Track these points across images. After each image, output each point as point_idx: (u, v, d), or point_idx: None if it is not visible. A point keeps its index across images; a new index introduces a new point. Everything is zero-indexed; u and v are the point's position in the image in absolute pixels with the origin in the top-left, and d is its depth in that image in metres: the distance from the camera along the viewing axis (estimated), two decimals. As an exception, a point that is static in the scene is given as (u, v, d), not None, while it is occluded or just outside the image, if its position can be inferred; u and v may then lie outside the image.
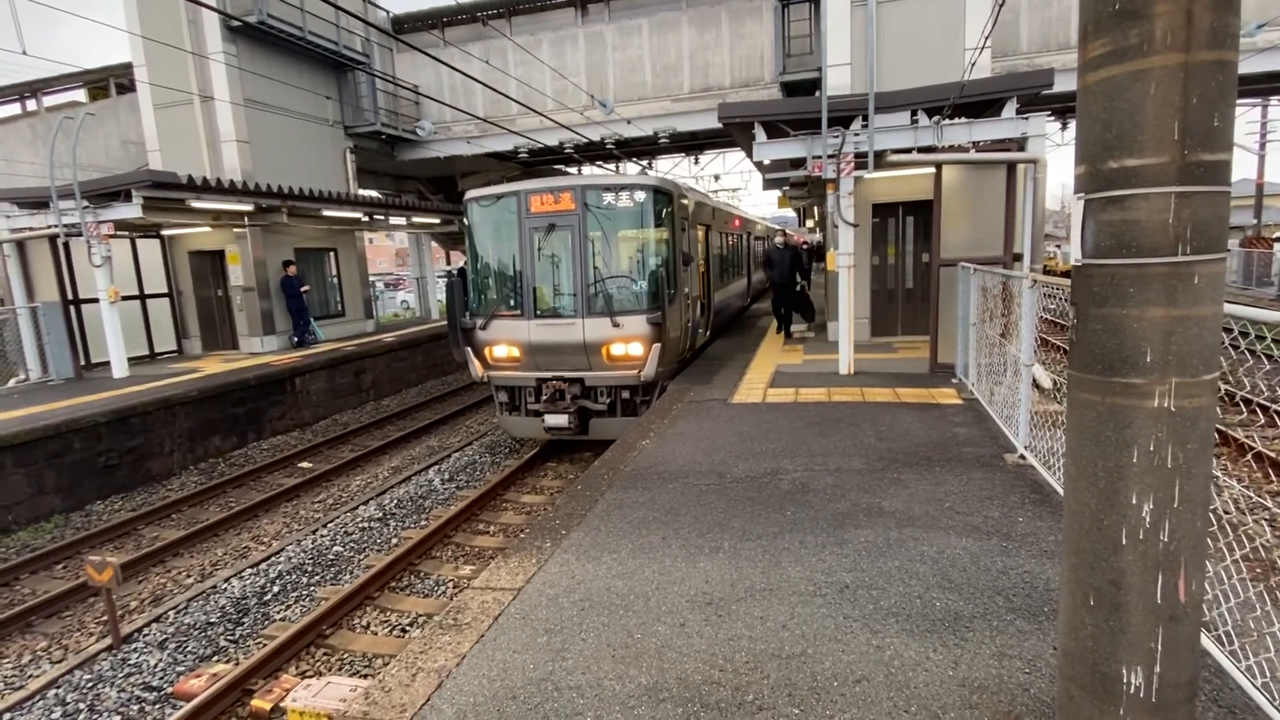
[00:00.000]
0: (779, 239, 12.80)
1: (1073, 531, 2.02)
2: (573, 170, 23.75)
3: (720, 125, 9.65)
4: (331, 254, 16.64)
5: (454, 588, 6.13)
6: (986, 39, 7.18)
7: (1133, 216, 1.77)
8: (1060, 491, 4.40)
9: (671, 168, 24.85)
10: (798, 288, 12.48)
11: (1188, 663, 1.90)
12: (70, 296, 12.32)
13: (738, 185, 35.65)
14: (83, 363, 12.41)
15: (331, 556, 6.75)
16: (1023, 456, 5.16)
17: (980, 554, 3.71)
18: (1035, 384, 5.30)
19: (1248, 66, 11.69)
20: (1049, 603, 3.18)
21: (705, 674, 2.82)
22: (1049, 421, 4.78)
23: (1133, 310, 1.80)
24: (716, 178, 29.67)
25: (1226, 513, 2.74)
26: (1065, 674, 2.09)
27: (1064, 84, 9.05)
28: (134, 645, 5.28)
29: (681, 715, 2.58)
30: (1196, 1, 1.65)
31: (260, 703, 4.35)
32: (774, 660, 2.89)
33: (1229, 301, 2.04)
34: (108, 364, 11.82)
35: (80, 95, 18.98)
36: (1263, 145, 26.41)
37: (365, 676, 4.85)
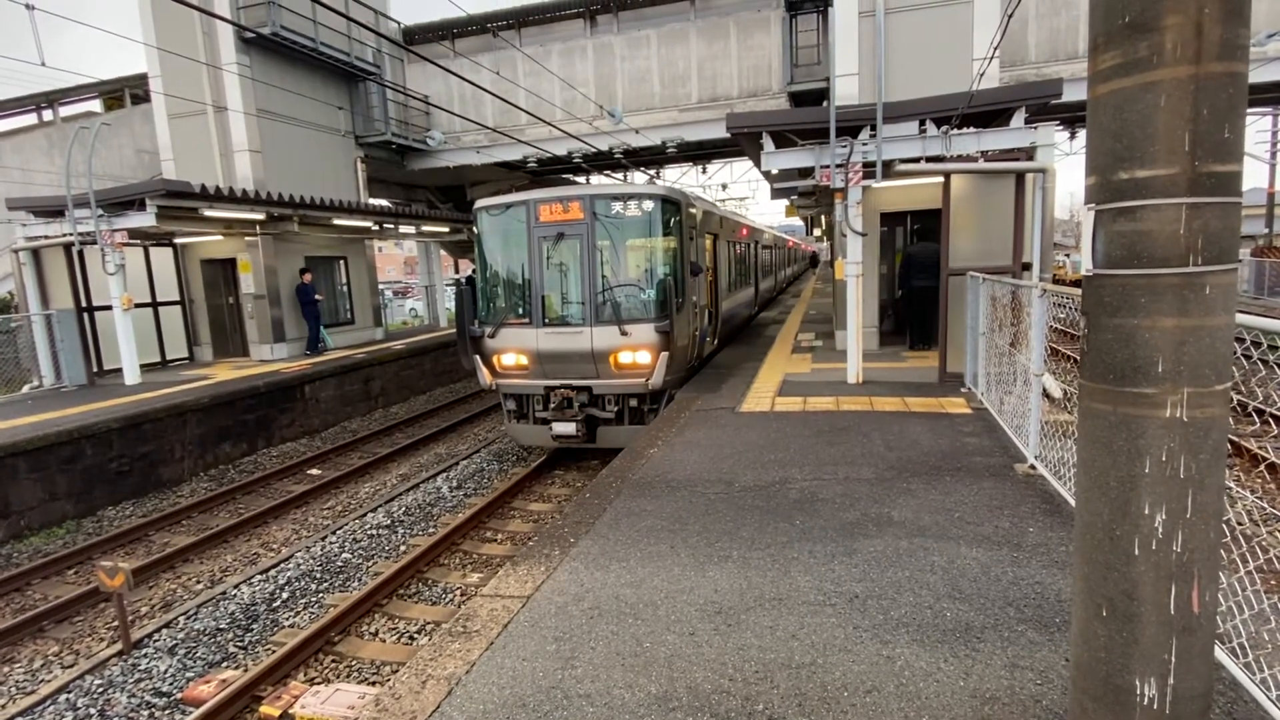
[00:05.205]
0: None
1: (1085, 542, 2.01)
2: (581, 179, 23.88)
3: (728, 135, 9.69)
4: (341, 262, 16.77)
5: (462, 595, 6.13)
6: (995, 49, 7.19)
7: (1144, 227, 1.78)
8: (1071, 502, 4.37)
9: (679, 177, 24.92)
10: None
11: (1202, 674, 1.88)
12: (84, 304, 12.45)
13: (745, 194, 35.62)
14: (95, 369, 12.53)
15: (340, 563, 6.77)
16: (1033, 466, 5.13)
17: (991, 564, 3.69)
18: (1045, 393, 5.28)
19: (1258, 76, 11.65)
20: (1061, 613, 3.16)
21: (715, 683, 2.82)
22: (1059, 431, 4.76)
23: (1144, 320, 1.80)
24: (724, 187, 29.69)
25: (1240, 524, 2.72)
26: (1078, 685, 2.08)
27: (1072, 94, 9.07)
28: (144, 650, 5.31)
29: (691, 724, 2.58)
30: (1206, 14, 1.65)
31: (269, 709, 4.37)
32: (784, 670, 2.88)
33: (1240, 311, 2.04)
34: (120, 370, 11.92)
35: (96, 105, 19.26)
36: (1274, 154, 26.28)
37: (373, 684, 4.86)
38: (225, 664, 5.23)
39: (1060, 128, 17.58)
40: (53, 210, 11.97)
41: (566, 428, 8.50)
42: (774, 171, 9.24)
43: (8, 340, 12.69)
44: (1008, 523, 4.22)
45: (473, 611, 3.55)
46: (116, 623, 5.51)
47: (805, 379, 9.05)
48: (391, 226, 16.60)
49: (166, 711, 4.69)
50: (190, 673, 5.08)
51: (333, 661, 5.21)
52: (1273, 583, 4.64)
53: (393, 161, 18.07)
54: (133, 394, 10.72)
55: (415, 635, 5.51)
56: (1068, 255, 34.69)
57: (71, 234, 11.46)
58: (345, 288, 16.96)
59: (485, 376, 8.94)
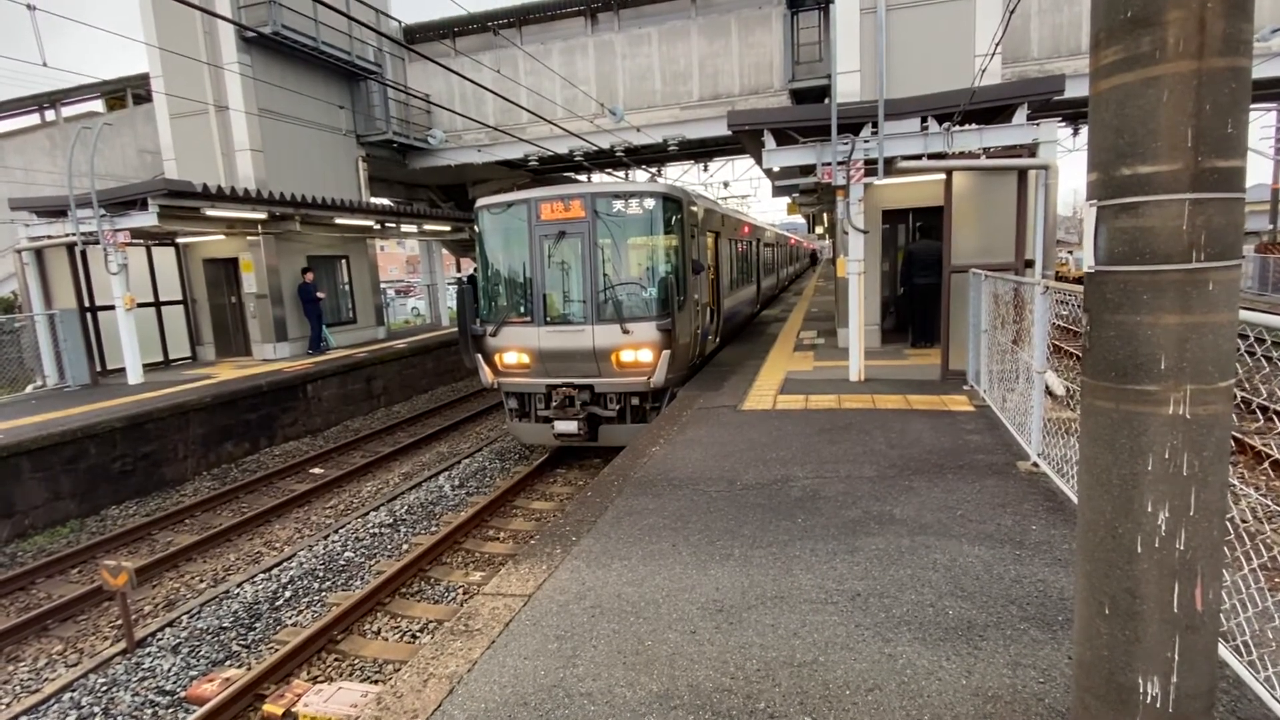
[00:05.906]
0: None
1: (1087, 539, 2.00)
2: (582, 178, 23.86)
3: (730, 132, 9.68)
4: (343, 261, 16.79)
5: (464, 594, 6.14)
6: (997, 45, 7.16)
7: (1146, 223, 1.76)
8: (1074, 499, 4.36)
9: (681, 175, 24.91)
10: None
11: (1205, 673, 1.88)
12: (87, 304, 12.48)
13: (747, 192, 35.59)
14: (98, 369, 12.56)
15: (343, 562, 6.78)
16: (1036, 464, 5.12)
17: (993, 562, 3.68)
18: (1048, 391, 5.26)
19: (1262, 71, 11.60)
20: (1063, 612, 3.15)
21: (717, 682, 2.82)
22: (1062, 429, 4.74)
23: (1147, 317, 1.79)
24: (726, 184, 29.67)
25: (1244, 521, 2.71)
26: (1081, 684, 2.07)
27: (1075, 89, 9.03)
28: (148, 649, 5.33)
29: (693, 723, 2.57)
30: (1209, 9, 1.64)
31: (272, 708, 4.37)
32: (785, 668, 2.88)
33: (1245, 308, 2.03)
34: (123, 370, 11.95)
35: (98, 105, 19.29)
36: (1278, 150, 26.14)
37: (376, 682, 4.86)
38: (228, 662, 5.25)
39: (1063, 124, 17.49)
40: (55, 210, 12.00)
41: (568, 426, 8.50)
42: (775, 169, 9.22)
43: (11, 340, 12.74)
44: (1010, 520, 4.21)
45: (475, 610, 3.55)
46: (120, 621, 5.52)
47: (807, 377, 9.04)
48: (393, 225, 16.62)
49: (170, 710, 4.70)
50: (193, 671, 5.09)
51: (335, 660, 5.22)
52: (1277, 580, 4.62)
53: (394, 160, 18.08)
54: (136, 393, 10.74)
55: (418, 634, 5.52)
56: (1070, 252, 34.55)
57: (74, 234, 11.48)
58: (347, 287, 16.97)
59: (487, 375, 8.94)
